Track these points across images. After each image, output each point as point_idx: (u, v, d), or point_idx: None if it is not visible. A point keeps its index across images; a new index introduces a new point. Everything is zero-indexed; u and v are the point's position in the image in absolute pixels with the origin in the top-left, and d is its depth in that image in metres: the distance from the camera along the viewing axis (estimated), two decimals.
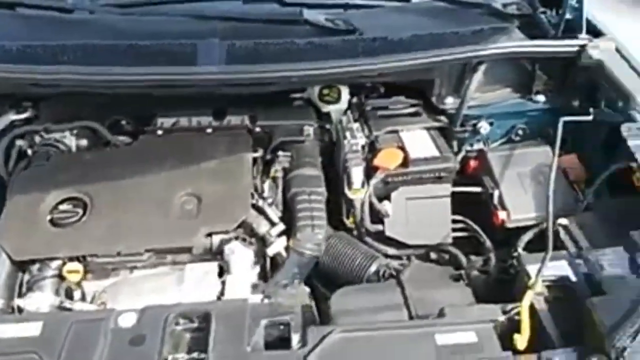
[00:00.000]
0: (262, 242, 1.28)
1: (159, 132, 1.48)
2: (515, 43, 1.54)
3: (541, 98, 1.62)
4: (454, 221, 1.44)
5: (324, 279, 1.33)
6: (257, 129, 1.51)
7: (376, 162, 1.45)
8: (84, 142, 1.48)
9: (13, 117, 1.50)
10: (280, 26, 1.56)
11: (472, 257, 1.39)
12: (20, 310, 1.11)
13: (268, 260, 1.30)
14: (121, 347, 0.90)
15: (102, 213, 1.24)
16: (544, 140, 1.57)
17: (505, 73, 1.63)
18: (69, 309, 1.11)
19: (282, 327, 0.98)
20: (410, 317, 1.11)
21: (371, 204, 1.40)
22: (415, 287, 1.18)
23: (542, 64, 1.62)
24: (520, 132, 1.62)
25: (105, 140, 1.49)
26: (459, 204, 1.47)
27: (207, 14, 1.55)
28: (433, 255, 1.42)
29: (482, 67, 1.54)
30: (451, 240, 1.42)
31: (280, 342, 0.97)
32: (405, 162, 1.45)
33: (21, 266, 1.20)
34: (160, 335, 0.92)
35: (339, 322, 1.06)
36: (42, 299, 1.12)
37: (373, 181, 1.42)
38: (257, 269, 1.29)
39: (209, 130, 1.49)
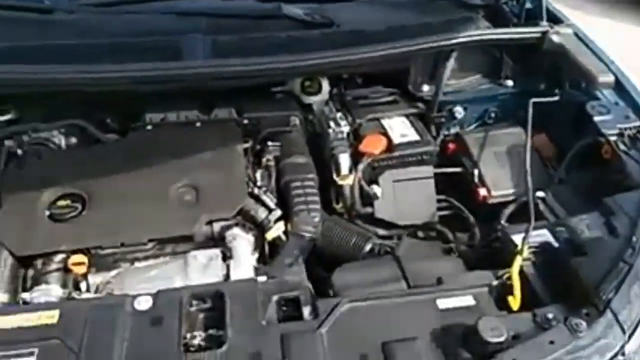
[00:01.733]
0: (261, 228, 1.32)
1: (149, 127, 1.49)
2: (483, 31, 1.63)
3: (510, 83, 1.72)
4: (439, 200, 1.52)
5: (319, 260, 1.38)
6: (245, 121, 1.55)
7: (362, 148, 1.51)
8: (73, 141, 1.48)
9: None
10: (261, 21, 1.60)
11: (458, 234, 1.47)
12: (26, 304, 1.11)
13: (266, 245, 1.34)
14: (142, 328, 0.92)
15: (102, 207, 1.25)
16: (515, 121, 1.67)
17: (475, 60, 1.72)
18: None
19: (292, 302, 1.02)
20: (409, 288, 1.17)
21: (361, 188, 1.46)
22: (410, 261, 1.24)
23: (508, 50, 1.72)
24: (492, 115, 1.72)
25: (93, 138, 1.49)
26: (441, 184, 1.55)
27: (188, 10, 1.58)
28: (420, 234, 1.49)
29: (454, 55, 1.62)
30: (437, 218, 1.50)
31: (293, 316, 1.02)
32: (389, 147, 1.52)
33: (23, 262, 1.20)
34: (178, 316, 0.95)
35: (344, 296, 1.11)
36: (49, 292, 1.12)
37: (360, 166, 1.48)
38: (256, 254, 1.33)
39: (198, 124, 1.52)
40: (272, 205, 1.34)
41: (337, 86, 1.73)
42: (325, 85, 1.70)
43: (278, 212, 1.33)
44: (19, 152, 1.42)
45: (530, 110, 1.51)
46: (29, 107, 1.52)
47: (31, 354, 0.86)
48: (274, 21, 1.60)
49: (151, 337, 0.91)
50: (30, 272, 1.18)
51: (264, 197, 1.35)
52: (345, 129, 1.57)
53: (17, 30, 1.52)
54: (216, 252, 1.24)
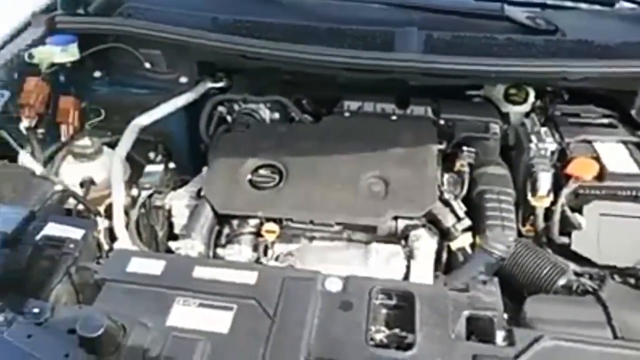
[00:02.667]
0: (445, 235, 1.25)
1: (346, 113, 1.51)
2: None
3: None
4: None
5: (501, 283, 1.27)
6: (441, 122, 1.50)
7: (569, 170, 1.36)
8: (276, 116, 1.55)
9: (210, 84, 1.62)
10: (478, 20, 1.52)
11: None
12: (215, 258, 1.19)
13: (444, 254, 1.27)
14: (331, 310, 0.92)
15: (296, 182, 1.29)
16: None
17: None
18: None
19: (485, 322, 0.94)
20: (615, 338, 1.01)
21: (563, 214, 1.32)
22: (617, 308, 1.08)
23: None
24: None
25: (291, 116, 1.55)
26: None
27: (405, 3, 1.56)
28: (617, 278, 1.30)
29: None
30: None
31: (482, 337, 0.94)
32: (601, 175, 1.34)
33: (221, 220, 1.28)
34: (366, 306, 0.92)
35: (536, 329, 1.00)
36: (241, 252, 1.18)
37: (566, 190, 1.33)
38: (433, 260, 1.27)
39: (394, 118, 1.50)
40: (461, 213, 1.27)
41: (542, 99, 1.59)
42: (532, 96, 1.58)
43: (467, 222, 1.26)
44: (229, 118, 1.53)
45: None
46: (238, 79, 1.64)
47: (230, 308, 0.90)
48: (491, 22, 1.51)
49: (339, 321, 0.90)
50: (226, 230, 1.26)
51: (454, 204, 1.28)
52: (551, 146, 1.42)
53: (239, 5, 1.63)
54: (398, 248, 1.20)
